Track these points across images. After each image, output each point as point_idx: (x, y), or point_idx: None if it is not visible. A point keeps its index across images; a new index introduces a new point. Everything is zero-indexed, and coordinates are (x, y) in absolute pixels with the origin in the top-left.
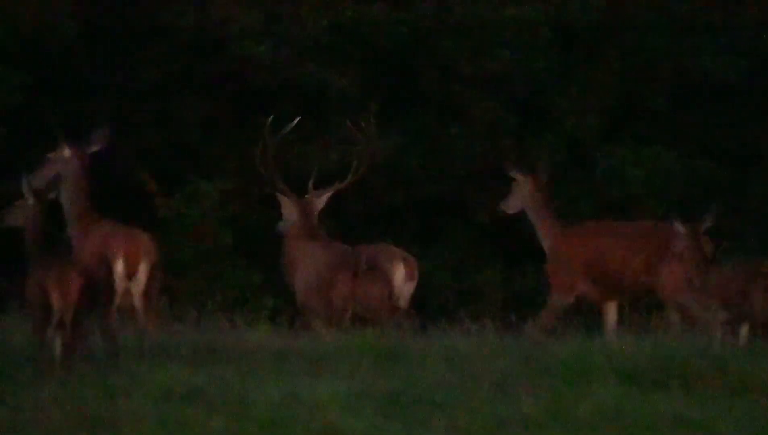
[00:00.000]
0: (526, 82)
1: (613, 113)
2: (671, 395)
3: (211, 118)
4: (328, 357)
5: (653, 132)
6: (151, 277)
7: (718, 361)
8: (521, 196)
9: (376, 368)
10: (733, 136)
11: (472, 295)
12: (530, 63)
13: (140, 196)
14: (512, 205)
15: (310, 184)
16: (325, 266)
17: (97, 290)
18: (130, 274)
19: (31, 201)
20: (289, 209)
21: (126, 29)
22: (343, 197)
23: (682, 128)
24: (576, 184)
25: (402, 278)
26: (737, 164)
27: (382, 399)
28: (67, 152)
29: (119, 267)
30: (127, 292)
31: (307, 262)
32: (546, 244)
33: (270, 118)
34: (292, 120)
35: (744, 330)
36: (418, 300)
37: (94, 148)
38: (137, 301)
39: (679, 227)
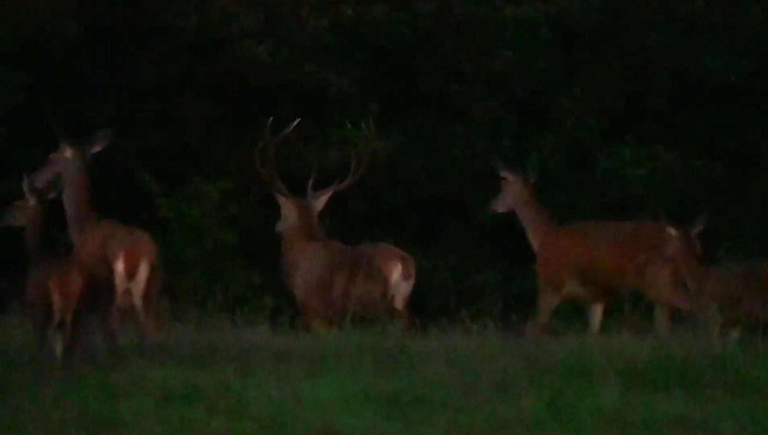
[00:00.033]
0: (526, 82)
1: (614, 113)
2: (672, 395)
3: (211, 118)
4: (328, 357)
5: (654, 132)
6: (151, 277)
7: (719, 361)
8: (511, 196)
9: (376, 368)
10: (733, 136)
11: (472, 295)
12: (531, 63)
13: (141, 196)
14: (502, 204)
15: (309, 185)
16: (325, 266)
17: (98, 290)
18: (130, 274)
19: (31, 201)
20: (288, 210)
21: (127, 29)
22: (344, 197)
23: (683, 128)
24: (576, 184)
25: (398, 277)
26: (738, 164)
27: (383, 399)
28: (68, 153)
29: (119, 267)
30: (128, 292)
31: (307, 263)
32: (535, 244)
33: (270, 120)
34: (293, 120)
35: (735, 332)
36: (418, 300)
37: (97, 149)
38: (137, 301)
39: (671, 230)
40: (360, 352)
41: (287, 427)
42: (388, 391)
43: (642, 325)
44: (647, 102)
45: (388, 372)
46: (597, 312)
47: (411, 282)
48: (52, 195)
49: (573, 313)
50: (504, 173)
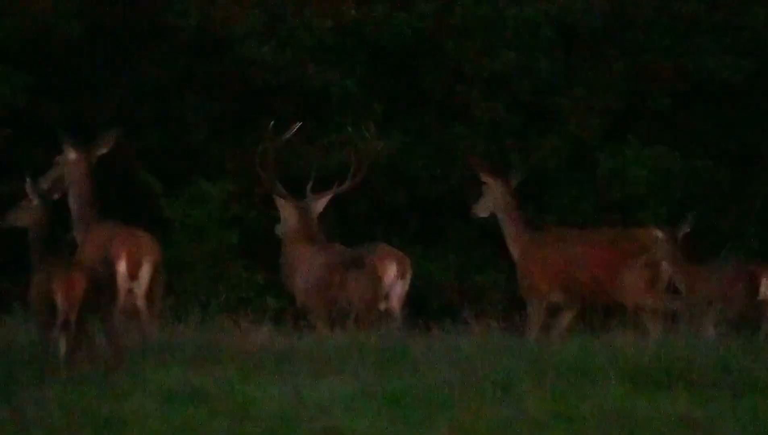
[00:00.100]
0: (528, 82)
1: (615, 113)
2: (675, 395)
3: (214, 119)
4: (331, 358)
5: (655, 132)
6: (153, 278)
7: (722, 361)
8: (492, 200)
9: (379, 369)
10: (735, 136)
11: (475, 295)
12: (532, 63)
13: (143, 196)
14: (483, 208)
15: (309, 188)
16: (324, 267)
17: (101, 291)
18: (133, 275)
19: (35, 201)
20: (287, 213)
21: (128, 30)
22: (346, 197)
23: (685, 128)
24: (578, 184)
25: (393, 276)
26: (739, 164)
27: (386, 399)
28: (71, 154)
29: (122, 267)
30: (130, 293)
31: (307, 265)
32: (514, 249)
33: (272, 123)
34: (295, 121)
35: (710, 329)
36: (420, 300)
37: (103, 151)
38: (140, 302)
39: (657, 233)
40: (363, 353)
41: (290, 428)
42: (391, 392)
43: (645, 325)
44: (649, 102)
45: (391, 372)
46: (567, 317)
47: (406, 281)
48: (55, 196)
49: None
50: (485, 177)
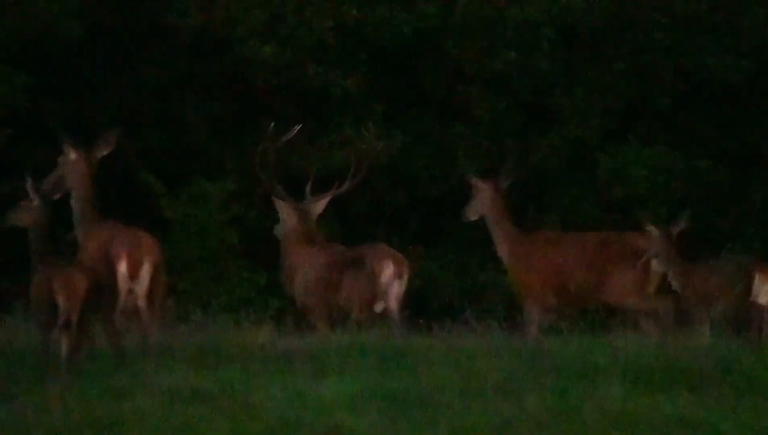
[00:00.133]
0: (529, 82)
1: (616, 113)
2: (676, 395)
3: (215, 119)
4: (332, 358)
5: (656, 132)
6: (154, 278)
7: (724, 361)
8: (481, 203)
9: (381, 368)
10: (736, 136)
11: (476, 295)
12: (533, 63)
13: (144, 196)
14: (473, 212)
15: (308, 189)
16: (323, 268)
17: (102, 291)
18: (133, 275)
19: (36, 201)
20: (287, 214)
21: (129, 30)
22: (347, 197)
23: (685, 128)
24: (579, 184)
25: (389, 276)
26: (740, 164)
27: (387, 399)
28: (72, 155)
29: (122, 268)
30: (131, 293)
31: (306, 266)
32: (504, 252)
33: (272, 125)
34: (296, 121)
35: (706, 329)
36: (422, 300)
37: (104, 152)
38: (141, 302)
39: (653, 230)
40: (364, 353)
41: (292, 428)
42: (393, 392)
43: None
44: (650, 102)
45: (393, 372)
46: (549, 318)
47: (404, 282)
48: (56, 196)
49: (577, 313)
50: (474, 180)
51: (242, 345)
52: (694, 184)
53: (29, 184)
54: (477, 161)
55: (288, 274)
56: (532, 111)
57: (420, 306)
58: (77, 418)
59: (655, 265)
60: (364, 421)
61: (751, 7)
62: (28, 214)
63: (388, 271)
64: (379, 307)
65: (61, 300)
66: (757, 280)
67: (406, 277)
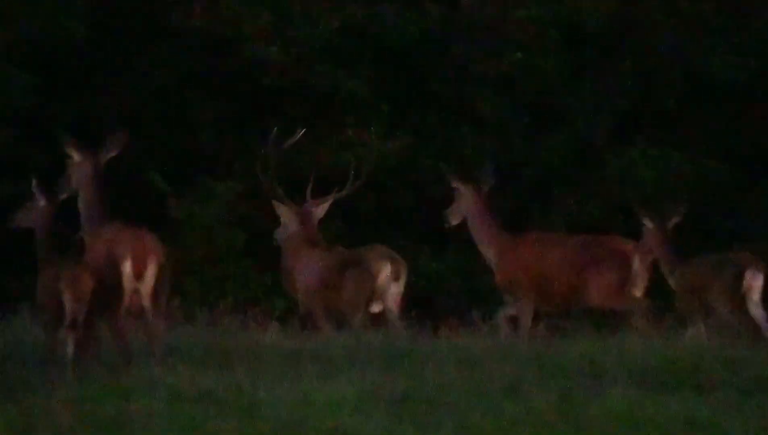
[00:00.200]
0: (536, 82)
1: (623, 114)
2: (682, 396)
3: (221, 119)
4: (338, 358)
5: (663, 133)
6: (159, 278)
7: (730, 362)
8: (463, 206)
9: (386, 369)
10: (743, 137)
11: (483, 296)
12: (540, 64)
13: (151, 197)
14: (455, 215)
15: (308, 192)
16: (324, 270)
17: (108, 291)
18: (138, 275)
19: (41, 202)
20: (288, 218)
21: (135, 30)
22: (353, 198)
23: (692, 129)
24: (585, 185)
25: (387, 277)
26: (747, 165)
27: (393, 400)
28: (77, 157)
29: (127, 268)
30: (137, 293)
31: (308, 268)
32: (489, 254)
33: (275, 129)
34: (302, 121)
35: (692, 329)
36: (428, 301)
37: (112, 154)
38: (146, 302)
39: (648, 223)
40: (370, 354)
41: (298, 428)
42: (399, 392)
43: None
44: (657, 103)
45: (399, 373)
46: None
47: (401, 283)
48: (62, 196)
49: (583, 313)
50: (455, 184)
51: (248, 345)
52: (701, 184)
53: (35, 185)
54: (484, 162)
55: (289, 277)
56: (539, 111)
57: (426, 307)
58: (83, 419)
59: (635, 268)
60: (370, 421)
61: (758, 9)
62: (33, 214)
63: (385, 271)
64: (376, 308)
65: (67, 300)
66: (749, 274)
67: (403, 278)
